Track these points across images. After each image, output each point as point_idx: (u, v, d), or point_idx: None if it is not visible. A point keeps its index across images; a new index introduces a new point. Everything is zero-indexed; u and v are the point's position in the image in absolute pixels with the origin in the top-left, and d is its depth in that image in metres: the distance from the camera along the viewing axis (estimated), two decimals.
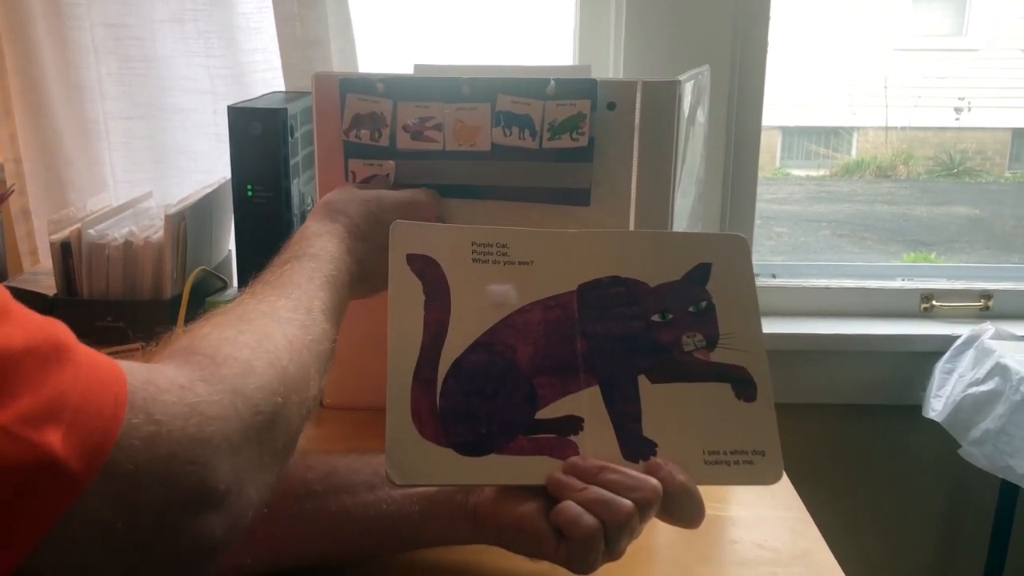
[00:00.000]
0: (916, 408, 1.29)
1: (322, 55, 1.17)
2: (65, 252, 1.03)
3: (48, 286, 1.06)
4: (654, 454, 0.53)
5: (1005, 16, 2.17)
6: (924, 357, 1.30)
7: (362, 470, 0.57)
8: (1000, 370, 1.15)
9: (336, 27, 1.19)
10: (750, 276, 0.57)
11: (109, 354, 0.98)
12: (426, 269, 0.56)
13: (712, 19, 1.23)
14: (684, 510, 0.53)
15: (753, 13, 1.26)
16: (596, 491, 0.51)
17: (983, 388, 1.16)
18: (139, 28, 1.22)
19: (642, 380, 0.55)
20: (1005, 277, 1.42)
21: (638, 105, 0.78)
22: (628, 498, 0.51)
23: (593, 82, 0.78)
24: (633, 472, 0.52)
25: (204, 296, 1.06)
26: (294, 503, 0.57)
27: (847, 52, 2.09)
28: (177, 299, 1.02)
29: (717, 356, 0.55)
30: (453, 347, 0.54)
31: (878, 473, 1.41)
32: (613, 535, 0.50)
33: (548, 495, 0.52)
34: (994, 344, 1.21)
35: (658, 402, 0.54)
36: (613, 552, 0.51)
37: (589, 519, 0.50)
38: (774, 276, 1.42)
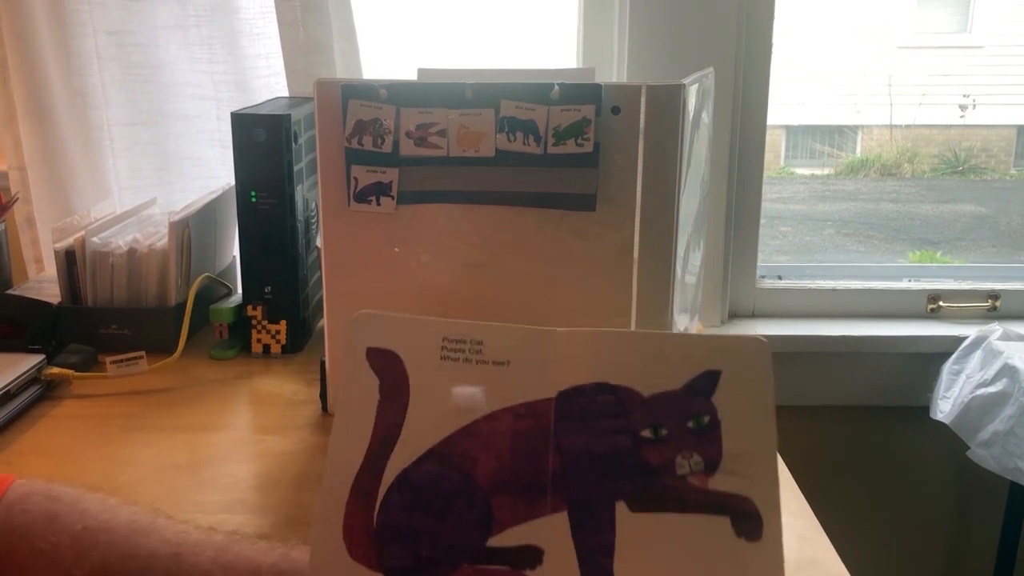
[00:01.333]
0: (924, 410, 1.28)
1: (325, 60, 1.17)
2: (69, 260, 1.03)
3: (52, 294, 1.06)
4: None
5: (1009, 13, 2.17)
6: (931, 358, 1.30)
7: (287, 571, 0.52)
8: (1008, 371, 1.15)
9: (339, 32, 1.18)
10: (768, 387, 0.48)
11: (113, 363, 0.97)
12: (386, 366, 0.50)
13: (716, 21, 1.23)
14: None
15: (757, 14, 1.26)
16: None
17: (991, 389, 1.16)
18: (142, 35, 1.21)
19: (620, 507, 0.47)
20: (1012, 277, 1.41)
21: (643, 109, 0.77)
22: None
23: (597, 87, 0.77)
24: None
25: (208, 303, 1.06)
26: None
27: (851, 50, 2.09)
28: (182, 306, 1.02)
29: (717, 483, 0.46)
30: (403, 456, 0.48)
31: (886, 475, 1.40)
32: None
33: None
34: (1002, 345, 1.20)
35: (637, 535, 0.46)
36: None
37: None
38: (780, 278, 1.42)
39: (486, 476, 0.47)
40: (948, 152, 2.18)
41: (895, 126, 2.14)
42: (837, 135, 2.34)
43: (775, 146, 2.33)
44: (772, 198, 2.19)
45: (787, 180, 2.35)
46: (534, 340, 0.50)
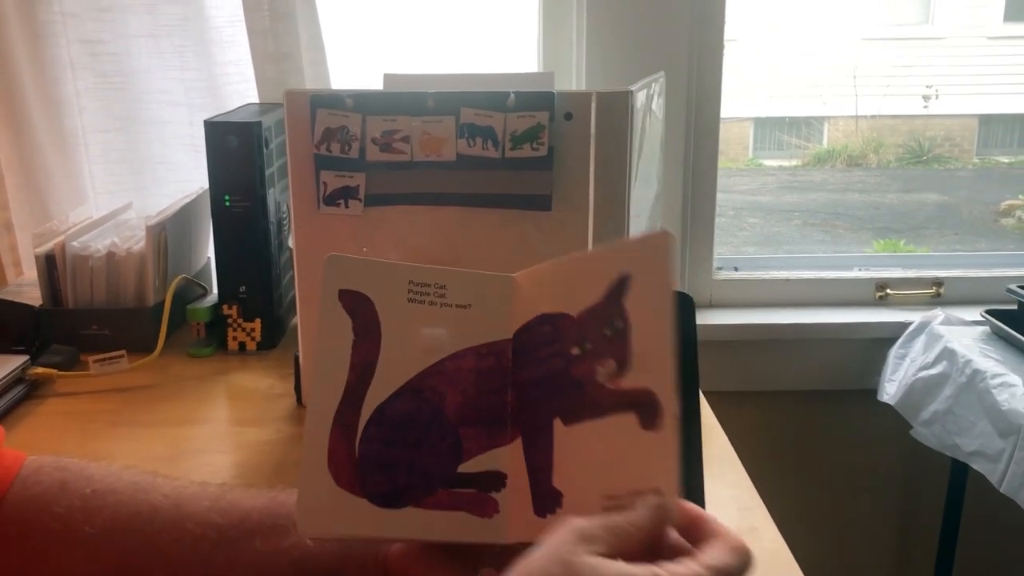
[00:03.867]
0: (872, 392, 1.35)
1: (294, 67, 1.21)
2: (50, 264, 1.06)
3: (33, 297, 1.09)
4: (560, 505, 0.49)
5: (969, 4, 2.22)
6: (879, 343, 1.36)
7: (278, 512, 0.56)
8: (948, 354, 1.21)
9: (307, 40, 1.22)
10: (666, 279, 0.48)
11: (96, 362, 1.01)
12: (358, 307, 0.53)
13: (670, 24, 1.28)
14: None
15: (709, 17, 1.32)
16: None
17: (932, 372, 1.22)
18: (115, 44, 1.25)
19: (557, 424, 0.50)
20: (956, 265, 1.48)
21: (593, 115, 0.82)
22: None
23: (550, 95, 0.82)
24: None
25: (185, 303, 1.10)
26: (207, 551, 0.55)
27: (816, 42, 2.12)
28: (160, 307, 1.06)
29: (628, 381, 0.47)
30: (379, 391, 0.52)
31: (836, 456, 1.47)
32: None
33: (462, 553, 0.51)
34: (943, 329, 1.27)
35: (569, 446, 0.49)
36: None
37: None
38: (736, 269, 1.47)
39: (453, 409, 0.52)
40: (912, 142, 2.21)
41: (860, 117, 2.18)
42: (804, 126, 2.37)
43: (743, 138, 2.37)
44: (741, 190, 2.23)
45: (755, 172, 2.38)
46: (492, 285, 0.54)
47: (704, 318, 1.39)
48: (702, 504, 0.55)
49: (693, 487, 0.55)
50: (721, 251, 1.47)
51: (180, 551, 0.55)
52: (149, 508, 0.57)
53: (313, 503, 0.50)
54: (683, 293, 0.55)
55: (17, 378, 0.94)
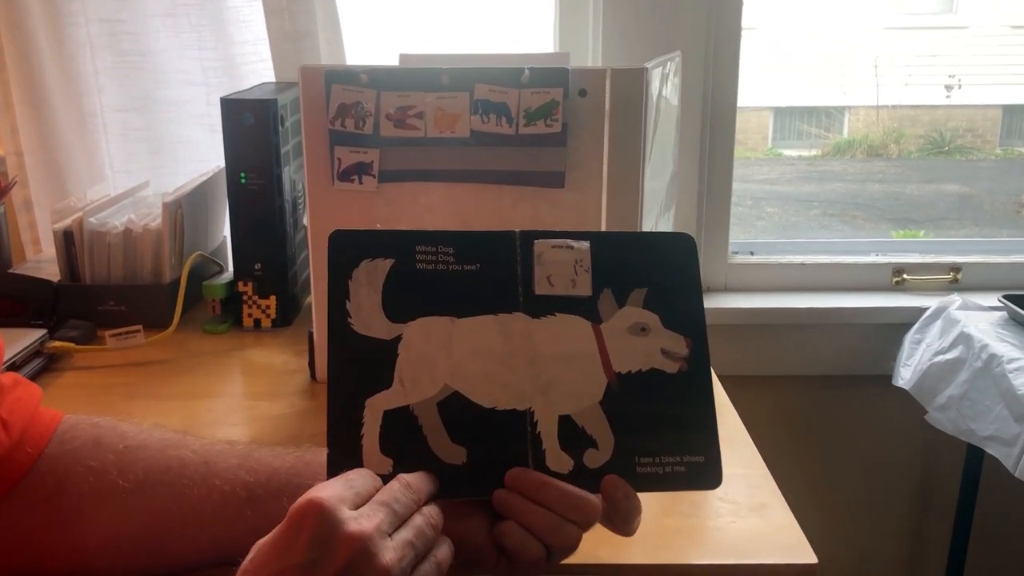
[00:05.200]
0: (887, 378, 1.34)
1: (311, 47, 1.21)
2: (68, 240, 1.07)
3: (52, 273, 1.11)
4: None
5: None
6: (895, 328, 1.35)
7: (304, 472, 0.57)
8: (964, 339, 1.20)
9: (324, 19, 1.23)
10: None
11: (112, 336, 1.02)
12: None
13: (687, 5, 1.27)
14: (628, 524, 0.54)
15: (726, 1, 1.31)
16: (543, 516, 0.51)
17: (948, 356, 1.21)
18: (133, 23, 1.26)
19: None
20: (973, 251, 1.47)
21: (607, 92, 0.82)
22: (572, 519, 0.51)
23: (565, 71, 0.82)
24: (575, 490, 0.52)
25: (201, 280, 1.11)
26: (236, 508, 0.57)
27: (837, 31, 2.11)
28: (176, 283, 1.07)
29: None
30: None
31: (850, 441, 1.46)
32: (557, 556, 0.52)
33: (490, 507, 0.53)
34: (960, 315, 1.26)
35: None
36: (553, 566, 0.53)
37: (535, 547, 0.51)
38: (752, 253, 1.47)
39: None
40: (934, 132, 2.19)
41: (882, 107, 2.15)
42: (824, 116, 2.35)
43: (763, 128, 2.35)
44: (759, 179, 2.22)
45: (775, 161, 2.36)
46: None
47: (719, 302, 1.38)
48: (716, 448, 0.57)
49: (705, 426, 0.57)
50: (738, 240, 1.46)
51: (210, 507, 0.57)
52: (179, 463, 0.58)
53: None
54: (683, 234, 0.59)
55: (35, 351, 0.96)
